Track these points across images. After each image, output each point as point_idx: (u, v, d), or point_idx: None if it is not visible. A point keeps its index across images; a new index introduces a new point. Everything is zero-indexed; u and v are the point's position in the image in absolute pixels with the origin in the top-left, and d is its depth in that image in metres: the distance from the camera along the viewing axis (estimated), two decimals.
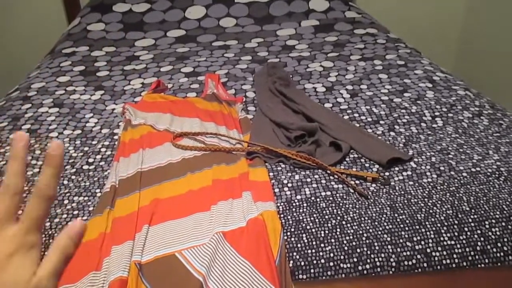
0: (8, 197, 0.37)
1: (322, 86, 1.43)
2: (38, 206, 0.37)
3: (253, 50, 1.74)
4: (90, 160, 1.10)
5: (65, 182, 1.02)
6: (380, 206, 0.91)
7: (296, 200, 0.93)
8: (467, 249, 0.84)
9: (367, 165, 1.04)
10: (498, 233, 0.87)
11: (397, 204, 0.92)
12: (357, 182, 0.98)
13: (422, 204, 0.92)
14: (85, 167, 1.07)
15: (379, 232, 0.86)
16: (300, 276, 0.81)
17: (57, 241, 0.37)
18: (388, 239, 0.85)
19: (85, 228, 0.37)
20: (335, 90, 1.40)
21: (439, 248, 0.84)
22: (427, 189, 0.96)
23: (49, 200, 0.38)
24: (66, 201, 0.96)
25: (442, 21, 2.59)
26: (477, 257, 0.84)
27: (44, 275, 0.35)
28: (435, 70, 1.51)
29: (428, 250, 0.84)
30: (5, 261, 0.35)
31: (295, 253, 0.83)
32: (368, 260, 0.82)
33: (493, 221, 0.88)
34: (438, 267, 0.83)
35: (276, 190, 0.96)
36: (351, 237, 0.85)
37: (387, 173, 1.01)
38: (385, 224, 0.87)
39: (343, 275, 0.81)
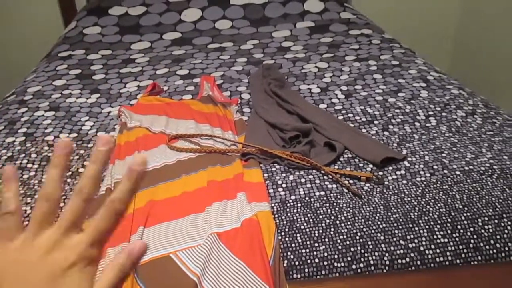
0: (79, 201, 0.35)
1: (317, 87, 1.44)
2: (107, 219, 0.35)
3: (249, 52, 1.75)
4: (86, 163, 1.10)
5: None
6: (373, 205, 0.92)
7: (290, 200, 0.94)
8: (460, 247, 0.85)
9: (361, 164, 1.05)
10: (490, 230, 0.87)
11: (390, 203, 0.92)
12: (351, 181, 0.99)
13: (416, 203, 0.92)
14: (81, 170, 1.08)
15: (373, 231, 0.86)
16: (295, 276, 0.81)
17: (116, 259, 0.34)
18: (382, 237, 0.85)
19: (145, 250, 0.35)
20: (330, 91, 1.41)
21: (433, 246, 0.85)
22: (421, 188, 0.96)
23: (119, 215, 0.35)
24: (61, 204, 0.96)
25: (437, 21, 2.60)
26: (470, 254, 0.85)
27: None
28: (429, 69, 1.52)
29: (422, 248, 0.84)
30: (63, 272, 0.33)
31: (289, 253, 0.83)
32: (362, 259, 0.83)
33: (486, 218, 0.89)
34: (432, 265, 0.83)
35: (271, 190, 0.97)
36: (345, 236, 0.86)
37: (381, 173, 1.02)
38: (379, 223, 0.88)
39: (337, 274, 0.82)
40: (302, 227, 0.87)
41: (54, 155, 0.37)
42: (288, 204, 0.93)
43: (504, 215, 0.89)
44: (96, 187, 0.36)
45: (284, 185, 0.98)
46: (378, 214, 0.90)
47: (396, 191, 0.96)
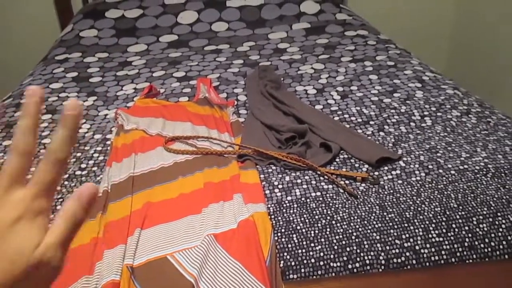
0: (16, 157, 0.33)
1: (313, 88, 1.45)
2: (49, 169, 0.34)
3: (245, 54, 1.75)
4: (83, 165, 1.11)
5: (58, 188, 1.02)
6: (369, 205, 0.92)
7: (286, 201, 0.94)
8: (455, 246, 0.86)
9: (356, 165, 1.05)
10: (485, 229, 0.88)
11: (386, 203, 0.93)
12: (347, 182, 1.00)
13: (411, 202, 0.93)
14: (78, 172, 1.08)
15: (369, 231, 0.87)
16: (291, 276, 0.82)
17: (65, 206, 0.33)
18: (377, 237, 0.86)
19: (96, 191, 0.34)
20: (326, 92, 1.41)
21: (428, 245, 0.85)
22: (416, 188, 0.97)
23: (61, 163, 0.34)
24: (58, 207, 0.97)
25: (433, 22, 2.61)
26: (465, 253, 0.85)
27: (51, 244, 0.32)
28: (424, 70, 1.53)
29: (417, 247, 0.85)
30: (9, 228, 0.32)
31: (285, 253, 0.84)
32: (358, 259, 0.84)
33: (481, 217, 0.89)
34: (427, 263, 0.84)
35: (267, 191, 0.97)
36: (340, 236, 0.86)
37: (376, 173, 1.02)
38: (374, 222, 0.88)
39: (333, 274, 0.82)
40: (298, 227, 0.88)
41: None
42: (284, 205, 0.93)
43: (499, 214, 0.90)
44: (33, 140, 0.34)
45: (280, 186, 0.99)
46: (373, 214, 0.90)
47: (391, 191, 0.96)
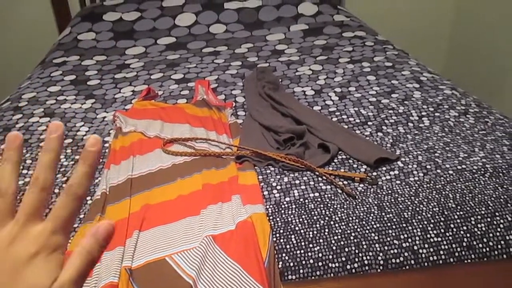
0: (36, 191, 0.34)
1: (311, 89, 1.45)
2: (67, 205, 0.34)
3: (243, 56, 1.75)
4: None
5: (56, 190, 1.02)
6: (367, 206, 0.93)
7: (285, 202, 0.94)
8: (454, 245, 0.86)
9: (355, 165, 1.06)
10: (483, 228, 0.88)
11: (384, 203, 0.93)
12: (345, 182, 1.00)
13: (409, 203, 0.93)
14: None
15: (367, 231, 0.87)
16: (289, 277, 0.82)
17: (82, 243, 0.33)
18: (376, 237, 0.86)
19: (112, 228, 0.34)
20: (324, 93, 1.42)
21: (426, 245, 0.85)
22: (414, 188, 0.97)
23: (79, 199, 0.34)
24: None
25: (431, 23, 2.62)
26: (463, 253, 0.85)
27: (66, 281, 0.32)
28: (422, 70, 1.53)
29: (415, 248, 0.85)
30: (26, 263, 0.32)
31: (284, 254, 0.84)
32: (356, 259, 0.83)
33: (479, 217, 0.89)
34: (425, 264, 0.84)
35: (265, 192, 0.98)
36: (339, 237, 0.86)
37: (374, 173, 1.02)
38: (373, 223, 0.88)
39: (332, 275, 0.82)
40: (297, 228, 0.88)
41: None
42: (283, 206, 0.93)
43: (497, 213, 0.90)
44: (51, 175, 0.35)
45: (278, 187, 0.99)
46: (372, 214, 0.90)
47: (389, 191, 0.96)
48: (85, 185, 0.35)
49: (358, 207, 0.92)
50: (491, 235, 0.87)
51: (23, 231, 0.33)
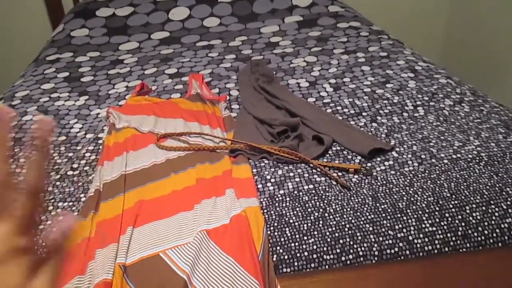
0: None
1: (306, 81, 1.44)
2: (25, 202, 0.31)
3: (237, 49, 1.74)
4: (75, 165, 1.10)
5: (49, 188, 1.02)
6: (362, 197, 0.92)
7: (279, 195, 0.94)
8: (449, 235, 0.85)
9: (349, 157, 1.05)
10: (478, 217, 0.88)
11: (379, 194, 0.93)
12: (340, 174, 0.99)
13: (404, 193, 0.92)
14: (70, 172, 1.08)
15: (361, 222, 0.87)
16: (284, 270, 0.81)
17: (46, 258, 0.32)
18: (370, 228, 0.86)
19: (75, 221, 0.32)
20: (318, 85, 1.41)
21: (421, 235, 0.85)
22: (409, 178, 0.96)
23: (37, 193, 0.32)
24: (50, 207, 0.96)
25: (427, 12, 2.60)
26: (458, 242, 0.85)
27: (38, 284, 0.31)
28: (417, 60, 1.52)
29: (410, 238, 0.85)
30: None
31: (278, 247, 0.83)
32: (351, 251, 0.83)
33: (474, 206, 0.89)
34: (420, 254, 0.84)
35: (259, 185, 0.97)
36: (333, 229, 0.86)
37: (369, 164, 1.02)
38: (367, 214, 0.88)
39: (327, 267, 0.82)
40: (291, 221, 0.88)
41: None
42: (277, 199, 0.93)
43: (492, 202, 0.90)
44: (8, 170, 0.31)
45: (272, 180, 0.98)
46: (366, 205, 0.90)
47: (384, 182, 0.96)
48: (35, 176, 0.32)
49: (352, 198, 0.92)
50: (486, 223, 0.87)
51: None
